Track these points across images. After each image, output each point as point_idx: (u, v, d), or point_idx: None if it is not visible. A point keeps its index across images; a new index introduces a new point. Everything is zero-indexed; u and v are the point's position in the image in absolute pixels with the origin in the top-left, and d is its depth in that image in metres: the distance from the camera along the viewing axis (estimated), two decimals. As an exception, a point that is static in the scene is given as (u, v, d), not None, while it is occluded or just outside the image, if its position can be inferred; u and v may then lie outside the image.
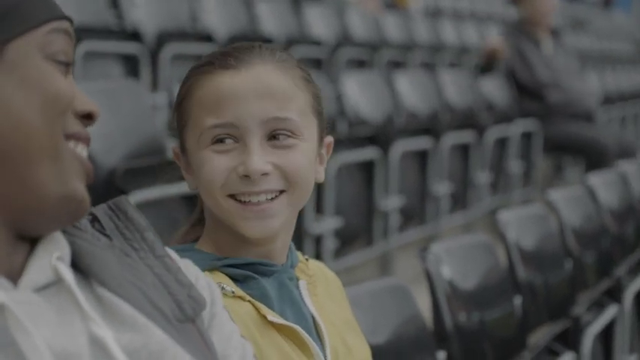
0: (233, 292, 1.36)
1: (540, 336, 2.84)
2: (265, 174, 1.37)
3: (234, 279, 1.40)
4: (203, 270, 1.25)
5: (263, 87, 1.38)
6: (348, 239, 4.09)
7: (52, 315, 0.97)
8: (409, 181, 4.68)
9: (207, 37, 4.87)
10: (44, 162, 1.00)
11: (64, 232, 1.08)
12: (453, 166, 5.15)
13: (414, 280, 2.94)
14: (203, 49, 4.17)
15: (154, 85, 4.50)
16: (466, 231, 5.15)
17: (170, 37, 4.66)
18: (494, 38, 6.71)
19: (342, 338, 1.47)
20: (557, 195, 3.57)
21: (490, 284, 2.66)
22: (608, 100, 8.32)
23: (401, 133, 4.71)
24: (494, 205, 5.55)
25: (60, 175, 1.01)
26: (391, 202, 4.42)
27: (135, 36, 4.50)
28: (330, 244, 3.88)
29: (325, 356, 1.41)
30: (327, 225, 3.84)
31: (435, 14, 9.98)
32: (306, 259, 1.55)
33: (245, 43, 1.46)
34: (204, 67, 1.42)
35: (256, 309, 1.37)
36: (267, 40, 5.02)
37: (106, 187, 2.74)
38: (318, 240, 3.83)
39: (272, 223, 1.39)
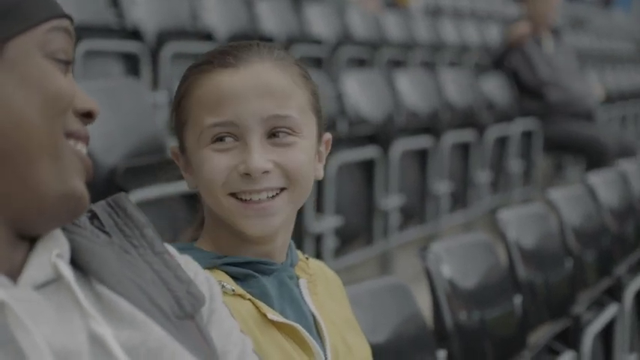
0: (233, 291, 1.36)
1: (540, 335, 2.84)
2: (266, 172, 1.37)
3: (235, 277, 1.40)
4: (203, 268, 1.25)
5: (262, 85, 1.38)
6: (348, 238, 4.09)
7: (51, 312, 0.97)
8: (409, 180, 4.68)
9: (207, 36, 4.88)
10: (44, 160, 1.00)
11: (64, 229, 1.08)
12: (453, 165, 5.15)
13: (414, 279, 2.94)
14: (203, 47, 4.16)
15: (155, 83, 4.50)
16: (466, 230, 5.15)
17: (170, 36, 4.66)
18: (520, 25, 6.63)
19: (342, 337, 1.47)
20: (558, 194, 3.57)
21: (490, 283, 2.66)
22: (608, 99, 8.32)
23: (401, 132, 4.71)
24: (495, 204, 5.56)
25: (60, 173, 1.01)
26: (391, 201, 4.42)
27: (135, 35, 4.50)
28: (330, 243, 3.88)
29: (325, 355, 1.41)
30: (328, 224, 3.85)
31: (435, 13, 9.98)
32: (307, 258, 1.55)
33: (243, 42, 1.46)
34: (202, 65, 1.42)
35: (256, 307, 1.37)
36: (268, 39, 5.02)
37: (107, 185, 2.74)
38: (319, 239, 3.83)
39: (273, 221, 1.39)
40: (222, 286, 1.34)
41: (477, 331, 2.52)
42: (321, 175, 1.49)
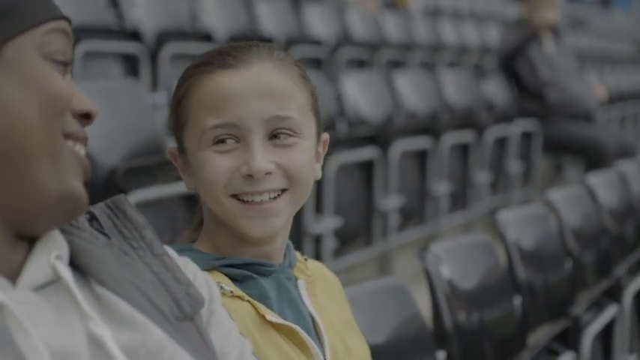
0: (232, 292, 1.36)
1: (540, 336, 2.84)
2: (268, 173, 1.37)
3: (233, 279, 1.40)
4: (202, 270, 1.25)
5: (263, 86, 1.38)
6: (347, 239, 4.09)
7: (50, 314, 0.97)
8: (409, 180, 4.68)
9: (206, 37, 4.88)
10: (43, 161, 1.00)
11: (63, 230, 1.08)
12: (453, 165, 5.15)
13: (413, 280, 2.94)
14: (203, 48, 4.15)
15: (154, 84, 4.50)
16: (466, 231, 5.15)
17: (170, 37, 4.66)
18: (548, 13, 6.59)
19: (341, 338, 1.47)
20: (557, 195, 3.57)
21: (490, 284, 2.66)
22: (608, 100, 8.32)
23: (400, 133, 4.71)
24: (494, 204, 5.55)
25: (58, 174, 1.01)
26: (391, 202, 4.42)
27: (135, 36, 4.50)
28: (329, 244, 3.88)
29: (324, 356, 1.41)
30: (327, 225, 3.84)
31: (434, 14, 9.98)
32: (305, 259, 1.55)
33: (242, 43, 1.46)
34: (202, 66, 1.42)
35: (255, 309, 1.37)
36: (267, 40, 5.02)
37: (106, 186, 2.74)
38: (318, 240, 3.83)
39: (274, 222, 1.40)
40: (221, 288, 1.34)
41: (477, 331, 2.52)
42: (319, 175, 1.49)
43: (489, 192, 5.66)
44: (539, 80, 6.39)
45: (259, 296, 1.39)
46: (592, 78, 8.24)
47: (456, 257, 2.55)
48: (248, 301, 1.37)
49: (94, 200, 1.10)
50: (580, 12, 14.56)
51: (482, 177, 5.47)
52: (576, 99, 6.42)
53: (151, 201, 2.62)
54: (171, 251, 1.18)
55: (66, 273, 1.01)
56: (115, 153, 3.08)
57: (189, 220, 1.59)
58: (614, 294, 3.10)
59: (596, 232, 3.69)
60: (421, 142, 4.78)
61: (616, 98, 8.68)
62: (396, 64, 6.80)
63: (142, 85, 3.97)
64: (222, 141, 1.38)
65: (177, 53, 4.47)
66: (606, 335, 2.95)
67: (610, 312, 2.94)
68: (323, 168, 1.51)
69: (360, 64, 6.38)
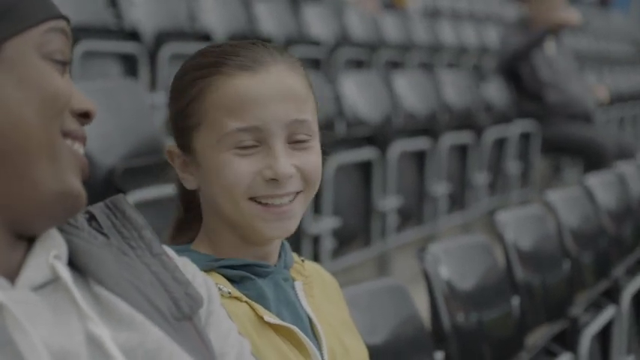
0: (229, 293, 1.36)
1: (538, 336, 2.84)
2: (290, 176, 1.38)
3: (231, 280, 1.40)
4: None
5: (284, 89, 1.38)
6: (345, 239, 4.09)
7: (49, 314, 0.98)
8: (407, 181, 4.68)
9: (205, 37, 4.87)
10: (42, 160, 1.00)
11: (61, 230, 1.08)
12: (451, 166, 5.15)
13: (411, 281, 2.94)
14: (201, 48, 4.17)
15: (153, 84, 4.50)
16: (464, 231, 5.15)
17: (168, 37, 4.66)
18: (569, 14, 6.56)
19: (339, 339, 1.47)
20: (555, 196, 3.57)
21: (488, 285, 2.66)
22: (609, 101, 8.32)
23: (399, 134, 4.71)
24: (492, 205, 5.56)
25: (57, 172, 1.01)
26: (389, 203, 4.42)
27: (133, 35, 4.50)
28: (327, 244, 3.88)
29: (322, 357, 1.41)
30: (325, 225, 3.85)
31: (433, 14, 9.98)
32: (302, 261, 1.55)
33: (245, 41, 1.45)
34: (213, 67, 1.40)
35: (253, 309, 1.37)
36: (266, 40, 5.01)
37: (105, 186, 2.74)
38: (316, 240, 3.83)
39: (291, 224, 1.40)
40: (219, 289, 1.34)
41: (475, 332, 2.52)
42: None
43: (488, 193, 5.66)
44: (539, 81, 6.39)
45: (257, 297, 1.39)
46: (591, 79, 8.25)
47: (455, 258, 2.55)
48: (246, 302, 1.37)
49: (92, 200, 1.10)
50: (579, 13, 14.56)
51: (480, 178, 5.47)
52: (575, 100, 6.42)
53: (149, 201, 2.62)
54: (170, 251, 1.18)
55: (65, 273, 1.01)
56: (113, 153, 3.08)
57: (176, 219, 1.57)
58: (612, 295, 3.10)
59: (595, 233, 3.70)
60: (420, 143, 4.78)
61: (615, 99, 8.68)
62: (395, 65, 6.80)
63: (141, 85, 3.97)
64: (243, 144, 1.37)
65: (176, 53, 4.47)
66: (604, 336, 2.95)
67: (608, 313, 2.94)
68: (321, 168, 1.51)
69: (358, 64, 6.38)
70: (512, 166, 5.93)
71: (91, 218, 1.14)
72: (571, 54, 7.00)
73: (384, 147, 4.41)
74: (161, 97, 4.21)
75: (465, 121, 5.68)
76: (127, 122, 3.28)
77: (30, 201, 1.00)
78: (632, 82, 10.07)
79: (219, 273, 1.40)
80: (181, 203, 1.53)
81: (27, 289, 0.98)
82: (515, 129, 5.98)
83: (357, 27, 7.39)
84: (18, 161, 0.98)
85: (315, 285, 1.51)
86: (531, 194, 6.20)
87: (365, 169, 4.28)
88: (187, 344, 1.07)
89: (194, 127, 1.40)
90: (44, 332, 0.95)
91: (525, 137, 6.13)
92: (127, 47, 4.35)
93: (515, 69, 6.46)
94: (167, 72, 4.42)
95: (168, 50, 4.48)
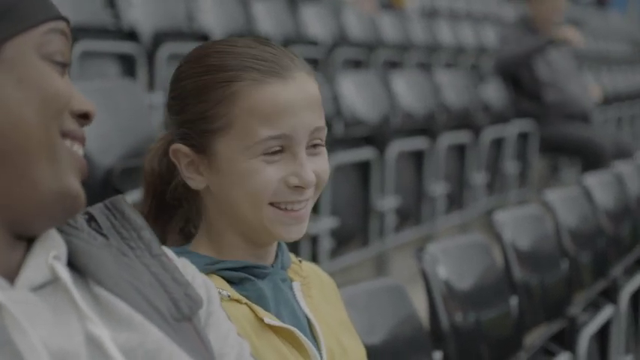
0: (229, 296, 1.36)
1: (536, 336, 2.85)
2: (314, 184, 1.41)
3: (230, 281, 1.40)
4: (198, 272, 1.25)
5: (309, 97, 1.40)
6: (344, 239, 4.09)
7: (48, 314, 0.98)
8: (405, 181, 4.68)
9: (203, 37, 4.87)
10: (41, 160, 1.00)
11: (61, 231, 1.08)
12: (449, 166, 5.15)
13: (409, 281, 2.94)
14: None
15: (151, 84, 4.50)
16: (462, 231, 5.15)
17: (166, 37, 4.66)
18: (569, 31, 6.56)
19: (337, 339, 1.47)
20: (553, 195, 3.58)
21: (486, 284, 2.66)
22: (605, 100, 8.33)
23: (397, 134, 4.71)
24: (490, 205, 5.56)
25: (56, 173, 1.01)
26: (387, 203, 4.42)
27: (131, 36, 4.50)
28: (326, 244, 3.88)
29: (321, 357, 1.41)
30: (323, 225, 3.85)
31: (431, 14, 9.98)
32: (300, 261, 1.55)
33: (253, 39, 1.44)
34: (241, 71, 1.38)
35: (253, 311, 1.37)
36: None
37: (103, 186, 2.74)
38: (314, 240, 3.83)
39: (305, 227, 1.43)
40: (219, 292, 1.33)
41: (473, 332, 2.52)
42: None
43: (486, 192, 5.67)
44: (538, 80, 6.39)
45: (257, 298, 1.40)
46: (588, 78, 8.24)
47: (453, 258, 2.56)
48: (246, 304, 1.37)
49: (90, 200, 1.10)
50: (576, 12, 14.57)
51: (478, 177, 5.48)
52: (573, 99, 6.42)
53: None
54: (169, 252, 1.18)
55: (64, 273, 1.02)
56: (111, 153, 3.08)
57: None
58: (610, 295, 3.11)
59: (593, 232, 3.70)
60: (418, 143, 4.78)
61: (612, 99, 8.69)
62: (393, 65, 6.80)
63: (139, 85, 3.97)
64: (270, 150, 1.37)
65: (174, 53, 4.47)
66: (602, 336, 2.96)
67: (606, 313, 2.94)
68: None
69: (356, 64, 6.38)
70: (510, 166, 5.94)
71: (91, 219, 1.14)
72: (570, 53, 7.00)
73: (382, 147, 4.41)
74: (159, 97, 4.21)
75: (463, 120, 5.68)
76: (125, 122, 3.28)
77: (29, 201, 1.00)
78: (629, 81, 10.08)
79: (218, 275, 1.40)
80: (150, 202, 1.52)
81: (26, 289, 0.98)
82: (513, 129, 5.98)
83: (355, 27, 7.39)
84: (17, 161, 0.98)
85: (312, 285, 1.52)
86: (529, 194, 6.20)
87: (363, 169, 4.28)
88: (187, 345, 1.07)
89: (218, 131, 1.38)
90: (43, 332, 0.95)
91: (523, 137, 6.14)
92: (125, 47, 4.35)
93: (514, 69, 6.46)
94: (165, 72, 4.42)
95: (166, 50, 4.48)
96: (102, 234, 1.13)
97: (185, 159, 1.43)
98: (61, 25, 1.05)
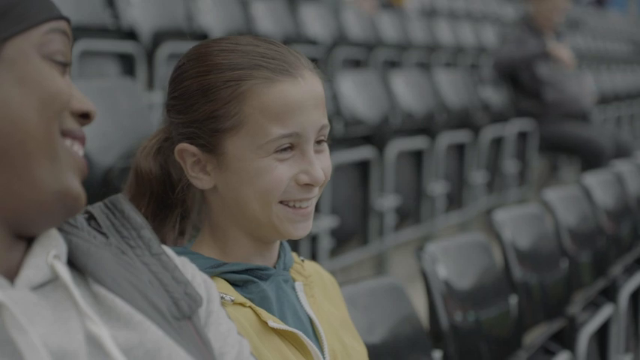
0: (232, 300, 1.36)
1: (536, 335, 2.84)
2: (323, 181, 1.42)
3: (234, 284, 1.40)
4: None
5: (316, 95, 1.41)
6: (343, 239, 4.09)
7: (48, 313, 0.98)
8: (405, 180, 4.68)
9: (202, 37, 4.87)
10: (42, 159, 1.00)
11: (61, 230, 1.08)
12: (449, 165, 5.15)
13: (409, 280, 2.94)
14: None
15: (150, 84, 4.50)
16: (462, 230, 5.16)
17: (166, 37, 4.66)
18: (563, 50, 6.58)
19: (339, 339, 1.48)
20: (553, 195, 3.58)
21: (486, 284, 2.66)
22: (604, 99, 8.33)
23: (397, 133, 4.71)
24: (490, 204, 5.56)
25: (56, 172, 1.02)
26: (387, 202, 4.42)
27: (131, 35, 4.50)
28: (325, 244, 3.88)
29: (324, 357, 1.41)
30: (323, 224, 3.85)
31: (430, 14, 9.98)
32: (302, 261, 1.55)
33: (255, 37, 1.44)
34: (252, 70, 1.38)
35: (256, 314, 1.37)
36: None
37: (103, 185, 2.74)
38: (314, 239, 3.83)
39: (311, 224, 1.44)
40: (222, 298, 1.33)
41: (473, 331, 2.52)
42: None
43: (485, 192, 5.67)
44: (538, 79, 6.39)
45: (260, 300, 1.40)
46: (588, 78, 8.24)
47: (452, 257, 2.56)
48: (249, 307, 1.37)
49: (90, 199, 1.10)
50: (576, 12, 14.58)
51: (478, 177, 5.48)
52: (573, 98, 6.42)
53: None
54: (169, 251, 1.18)
55: (64, 272, 1.02)
56: (111, 152, 3.08)
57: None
58: (609, 294, 3.10)
59: (592, 232, 3.70)
60: (417, 142, 4.78)
61: (612, 98, 8.69)
62: (392, 64, 6.80)
63: (139, 85, 3.97)
64: (281, 148, 1.38)
65: (174, 53, 4.47)
66: (602, 335, 2.95)
67: (606, 312, 2.94)
68: None
69: (356, 64, 6.38)
70: (510, 165, 5.94)
71: (90, 218, 1.14)
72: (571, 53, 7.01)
73: (382, 146, 4.41)
74: (158, 97, 4.20)
75: (463, 120, 5.68)
76: (125, 121, 3.28)
77: (29, 200, 1.00)
78: (629, 81, 10.08)
79: (221, 277, 1.40)
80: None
81: (26, 288, 0.99)
82: (512, 128, 5.98)
83: (355, 26, 7.39)
84: (17, 160, 0.99)
85: (315, 285, 1.52)
86: (529, 193, 6.21)
87: (363, 168, 4.28)
88: (187, 344, 1.07)
89: (228, 130, 1.38)
90: (43, 331, 0.95)
91: (523, 136, 6.14)
92: (125, 47, 4.35)
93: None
94: (164, 71, 4.42)
95: (165, 50, 4.48)
96: (102, 233, 1.13)
97: (191, 159, 1.42)
98: (62, 24, 1.05)
